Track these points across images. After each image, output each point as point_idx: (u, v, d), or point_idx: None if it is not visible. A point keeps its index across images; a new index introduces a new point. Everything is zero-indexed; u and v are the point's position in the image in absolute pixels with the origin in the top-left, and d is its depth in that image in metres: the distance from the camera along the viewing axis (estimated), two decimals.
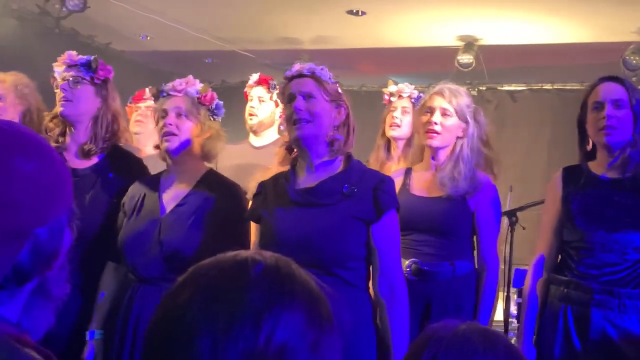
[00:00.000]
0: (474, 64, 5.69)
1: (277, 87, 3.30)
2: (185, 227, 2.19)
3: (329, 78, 2.07)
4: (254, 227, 2.15)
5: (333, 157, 2.06)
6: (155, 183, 2.33)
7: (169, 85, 2.29)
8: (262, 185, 2.15)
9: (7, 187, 0.77)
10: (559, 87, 5.86)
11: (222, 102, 2.39)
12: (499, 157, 2.56)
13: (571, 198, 2.21)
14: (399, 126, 3.04)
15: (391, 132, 3.06)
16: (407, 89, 3.13)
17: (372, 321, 2.03)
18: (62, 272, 0.85)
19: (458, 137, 2.41)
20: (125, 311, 2.19)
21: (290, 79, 2.08)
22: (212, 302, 0.66)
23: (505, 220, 3.17)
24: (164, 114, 2.25)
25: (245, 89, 3.39)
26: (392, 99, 3.15)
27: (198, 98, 2.29)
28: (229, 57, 6.36)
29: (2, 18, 4.47)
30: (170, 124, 2.21)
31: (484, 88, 6.12)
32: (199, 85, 2.31)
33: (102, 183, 2.39)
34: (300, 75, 2.06)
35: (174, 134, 2.21)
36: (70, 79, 2.40)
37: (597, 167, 2.22)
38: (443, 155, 2.42)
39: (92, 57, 2.44)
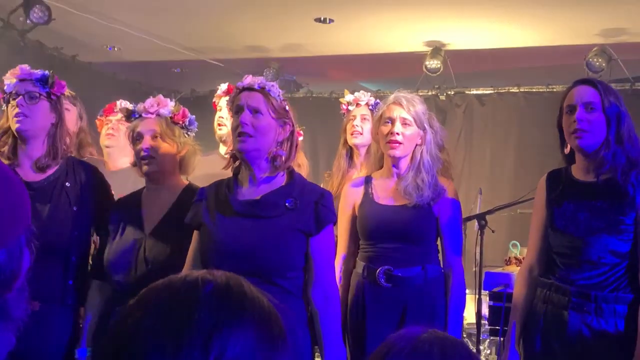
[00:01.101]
0: (441, 69, 5.76)
1: None
2: (170, 243, 2.22)
3: (278, 95, 2.11)
4: (194, 234, 2.16)
5: (274, 173, 2.10)
6: (136, 201, 2.36)
7: (141, 106, 2.31)
8: (202, 192, 2.17)
9: None
10: (525, 90, 5.95)
11: (194, 116, 2.41)
12: (454, 161, 2.61)
13: (553, 202, 2.24)
14: (360, 134, 3.09)
15: (353, 140, 3.10)
16: (364, 96, 3.18)
17: (307, 324, 2.09)
18: (22, 293, 0.84)
19: (417, 145, 2.46)
20: None
21: (241, 90, 2.11)
22: (161, 323, 0.66)
23: (475, 224, 3.21)
24: (139, 136, 2.28)
25: (214, 99, 3.40)
26: (350, 107, 3.19)
27: (171, 117, 2.32)
28: (198, 66, 6.34)
29: None
30: (147, 148, 2.25)
31: (452, 92, 6.19)
32: (171, 105, 2.33)
33: (60, 193, 2.36)
34: (250, 88, 2.09)
35: (151, 157, 2.26)
36: (26, 94, 2.32)
37: (576, 170, 2.24)
38: (404, 163, 2.47)
39: (49, 73, 2.38)
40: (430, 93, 6.11)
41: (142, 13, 5.14)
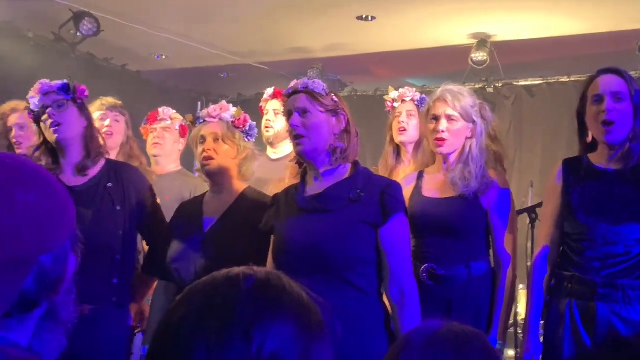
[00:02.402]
0: (488, 61, 5.67)
1: None
2: (228, 242, 2.29)
3: (323, 89, 2.13)
4: (272, 239, 2.21)
5: (336, 165, 2.11)
6: (198, 203, 2.47)
7: (205, 112, 2.44)
8: (275, 198, 2.22)
9: (8, 219, 0.80)
10: (575, 79, 5.79)
11: (254, 122, 2.51)
12: (507, 152, 2.56)
13: (571, 190, 2.20)
14: (406, 130, 3.05)
15: (400, 138, 3.07)
16: (409, 92, 3.15)
17: (384, 327, 2.05)
18: (69, 295, 0.88)
19: (467, 138, 2.42)
20: None
21: (288, 96, 2.16)
22: (205, 317, 0.70)
23: (526, 217, 3.15)
24: (202, 139, 2.39)
25: (261, 104, 3.45)
26: (395, 104, 3.16)
27: (232, 122, 2.42)
28: (244, 70, 6.42)
29: (20, 47, 4.57)
30: (209, 149, 2.35)
31: (500, 84, 6.08)
32: (232, 110, 2.44)
33: (103, 194, 2.44)
34: (295, 91, 2.13)
35: (212, 158, 2.35)
36: (54, 104, 2.41)
37: (597, 158, 2.20)
38: (453, 157, 2.44)
39: (67, 80, 2.47)
40: (477, 86, 6.02)
41: (187, 21, 5.24)
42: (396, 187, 2.10)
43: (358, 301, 1.98)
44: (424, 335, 0.96)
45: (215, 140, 2.37)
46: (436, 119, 2.41)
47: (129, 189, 2.47)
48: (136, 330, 2.56)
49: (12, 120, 3.35)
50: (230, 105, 2.47)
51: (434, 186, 2.46)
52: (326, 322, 0.73)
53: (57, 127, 2.39)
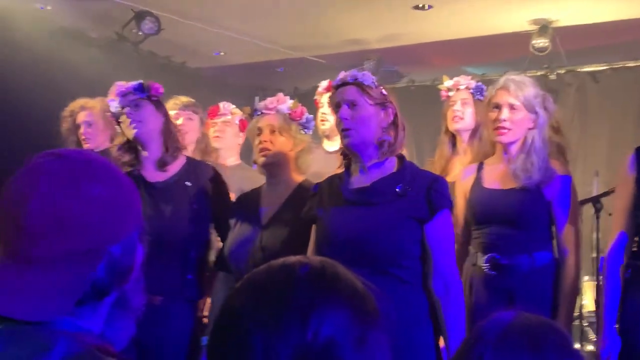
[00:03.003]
0: (550, 47, 5.51)
1: None
2: (284, 234, 2.34)
3: (372, 82, 2.12)
4: (312, 228, 2.22)
5: (383, 158, 2.11)
6: (255, 195, 2.50)
7: (262, 104, 2.47)
8: (317, 187, 2.23)
9: (80, 211, 0.84)
10: None
11: (312, 115, 2.51)
12: (570, 144, 2.50)
13: None
14: (461, 118, 3.02)
15: (454, 125, 3.04)
16: (464, 80, 3.11)
17: (429, 317, 2.05)
18: (138, 284, 0.91)
19: (529, 129, 2.38)
20: None
21: (336, 87, 2.15)
22: (262, 304, 0.71)
23: (591, 207, 3.06)
24: (259, 131, 2.42)
25: (316, 96, 3.46)
26: (450, 93, 3.12)
27: (289, 114, 2.44)
28: (300, 64, 6.45)
29: (84, 47, 4.74)
30: (265, 141, 2.38)
31: (563, 71, 5.90)
32: (289, 102, 2.46)
33: (181, 192, 2.52)
34: (344, 83, 2.12)
35: (268, 150, 2.38)
36: (131, 103, 2.54)
37: None
38: (514, 148, 2.40)
39: (142, 81, 2.59)
40: (538, 73, 5.86)
41: (244, 17, 5.31)
42: (442, 183, 2.10)
43: (402, 292, 1.99)
44: (497, 327, 0.94)
45: (272, 132, 2.39)
46: (498, 107, 2.37)
47: (207, 189, 2.56)
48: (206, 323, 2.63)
49: (81, 117, 3.49)
50: (287, 97, 2.49)
51: (495, 177, 2.42)
52: (381, 310, 0.73)
53: (135, 125, 2.51)
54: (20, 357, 0.78)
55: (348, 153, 2.17)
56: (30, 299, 0.82)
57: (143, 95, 2.54)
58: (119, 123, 2.58)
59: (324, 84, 3.44)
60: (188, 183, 2.54)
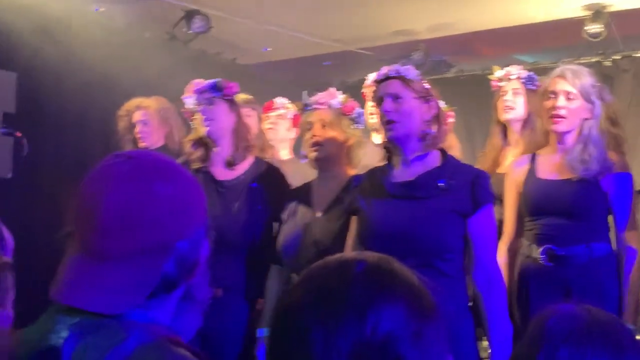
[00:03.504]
0: (604, 33, 5.35)
1: None
2: (336, 227, 2.36)
3: (415, 76, 2.13)
4: (352, 220, 2.23)
5: (426, 152, 2.12)
6: (307, 189, 2.54)
7: (313, 99, 2.50)
8: (357, 179, 2.25)
9: (151, 209, 0.88)
10: None
11: (362, 110, 2.53)
12: (626, 135, 2.45)
13: None
14: (512, 108, 2.97)
15: (505, 116, 2.99)
16: (515, 70, 3.05)
17: (468, 310, 2.09)
18: (204, 278, 0.95)
19: (585, 119, 2.33)
20: None
21: (379, 82, 2.17)
22: (321, 300, 0.73)
23: None
24: (310, 126, 2.45)
25: (363, 90, 3.47)
26: (501, 83, 3.08)
27: (340, 109, 2.46)
28: (347, 57, 6.45)
29: (139, 48, 4.86)
30: (316, 135, 2.40)
31: (619, 57, 5.72)
32: (340, 97, 2.47)
33: (248, 192, 2.59)
34: (387, 77, 2.14)
35: (319, 144, 2.39)
36: (205, 101, 2.60)
37: None
38: (570, 138, 2.36)
39: (217, 80, 2.64)
40: (593, 60, 5.70)
41: (291, 12, 5.34)
42: (485, 177, 2.12)
43: (444, 284, 2.01)
44: (570, 322, 0.93)
45: (323, 126, 2.42)
46: (554, 95, 2.35)
47: (271, 191, 2.61)
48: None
49: (137, 117, 3.59)
50: (339, 92, 2.51)
51: (550, 168, 2.39)
52: (437, 305, 0.75)
53: (208, 122, 2.58)
54: (98, 347, 0.83)
55: (390, 146, 2.18)
56: (105, 293, 0.87)
57: (218, 94, 2.60)
58: (192, 120, 2.66)
59: (372, 76, 3.43)
60: (254, 184, 2.59)
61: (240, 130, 2.63)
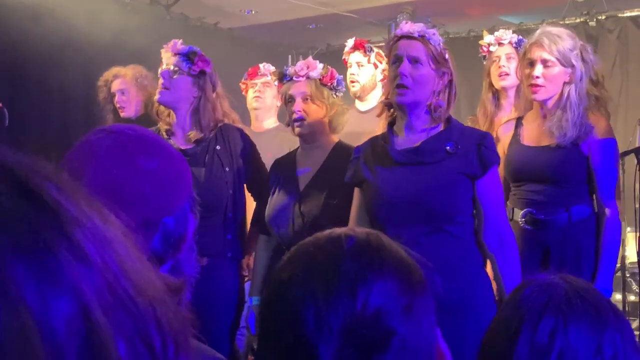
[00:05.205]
0: None
1: (373, 49, 3.30)
2: (322, 198, 2.36)
3: (439, 44, 2.04)
4: (356, 192, 2.21)
5: (434, 124, 2.08)
6: (292, 160, 2.52)
7: (292, 69, 2.44)
8: (358, 150, 2.21)
9: (135, 184, 0.87)
10: None
11: (341, 76, 2.50)
12: (611, 95, 2.43)
13: None
14: (508, 74, 2.93)
15: (501, 83, 2.96)
16: (506, 34, 3.00)
17: (483, 271, 2.08)
18: (191, 253, 0.95)
19: (565, 83, 2.32)
20: None
21: (399, 38, 2.06)
22: (311, 276, 0.74)
23: (633, 158, 3.00)
24: (291, 99, 2.41)
25: (344, 56, 3.42)
26: (492, 48, 3.04)
27: (320, 80, 2.42)
28: (332, 20, 6.36)
29: (117, 14, 4.76)
30: (299, 110, 2.37)
31: (603, 17, 5.70)
32: (319, 67, 2.43)
33: (212, 156, 2.53)
34: (410, 36, 2.03)
35: (303, 119, 2.38)
36: (171, 67, 2.49)
37: None
38: (551, 104, 2.35)
39: (192, 49, 2.51)
40: (578, 20, 5.68)
41: None
42: (490, 139, 2.09)
43: (457, 248, 2.02)
44: (544, 294, 0.95)
45: (304, 100, 2.38)
46: (532, 63, 2.32)
47: (236, 150, 2.57)
48: (246, 279, 2.71)
49: (115, 86, 3.54)
50: (317, 62, 2.46)
51: (532, 133, 2.40)
52: (426, 278, 0.75)
53: (162, 90, 2.49)
54: None
55: (397, 109, 2.11)
56: None
57: (185, 66, 2.49)
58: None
59: (350, 42, 3.38)
60: (218, 147, 2.55)
61: (204, 110, 2.50)
